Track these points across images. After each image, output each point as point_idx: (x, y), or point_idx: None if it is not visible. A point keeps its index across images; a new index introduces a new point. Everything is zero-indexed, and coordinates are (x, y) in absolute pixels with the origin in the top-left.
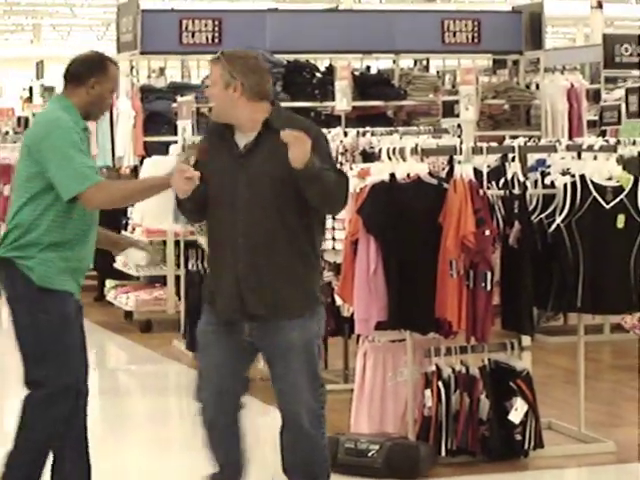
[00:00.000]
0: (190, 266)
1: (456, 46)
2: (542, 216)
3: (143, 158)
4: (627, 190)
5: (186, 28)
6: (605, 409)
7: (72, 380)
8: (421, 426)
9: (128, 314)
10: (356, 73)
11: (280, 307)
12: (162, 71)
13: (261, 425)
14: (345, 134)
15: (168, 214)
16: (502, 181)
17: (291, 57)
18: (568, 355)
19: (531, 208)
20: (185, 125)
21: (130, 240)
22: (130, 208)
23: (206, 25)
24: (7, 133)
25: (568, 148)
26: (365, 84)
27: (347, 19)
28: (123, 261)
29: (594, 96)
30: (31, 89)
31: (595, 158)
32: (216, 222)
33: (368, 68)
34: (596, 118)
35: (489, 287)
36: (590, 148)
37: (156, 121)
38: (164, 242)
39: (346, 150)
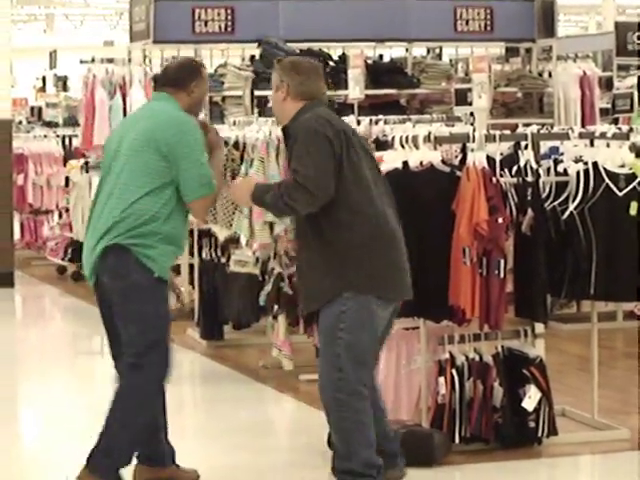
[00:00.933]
0: (204, 255)
1: (469, 34)
2: (555, 203)
3: None
4: None
5: (199, 17)
6: (619, 396)
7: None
8: (435, 414)
9: None
10: (369, 61)
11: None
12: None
13: (273, 412)
14: (358, 122)
15: None
16: (515, 169)
17: (304, 46)
18: (581, 342)
19: (544, 196)
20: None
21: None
22: None
23: (219, 14)
24: (20, 122)
25: (581, 136)
26: (378, 72)
27: (360, 7)
28: None
29: (606, 84)
30: (44, 79)
31: (608, 145)
32: None
33: (381, 56)
34: (608, 106)
35: (502, 274)
36: (603, 135)
37: None
38: None
39: None
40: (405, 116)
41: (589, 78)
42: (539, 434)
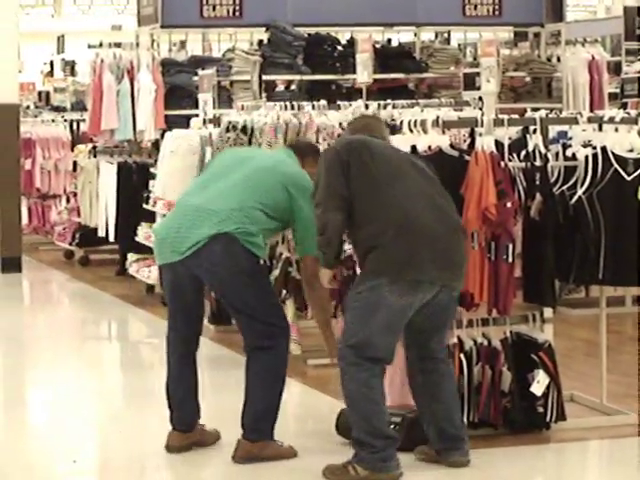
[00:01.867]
0: None
1: (477, 19)
2: (564, 188)
3: (164, 132)
4: None
5: (207, 1)
6: (627, 381)
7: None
8: None
9: (150, 288)
10: (377, 46)
11: None
12: (183, 44)
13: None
14: (366, 107)
15: None
16: (523, 153)
17: (312, 30)
18: (590, 327)
19: (552, 180)
20: (206, 98)
21: None
22: (152, 181)
23: None
24: (28, 107)
25: (589, 120)
26: (386, 57)
27: None
28: (144, 235)
29: (615, 69)
30: (52, 63)
31: (616, 130)
32: None
33: (389, 41)
34: (617, 90)
35: (511, 259)
36: (611, 120)
37: (177, 95)
38: None
39: None
40: (413, 100)
41: (597, 63)
42: (547, 419)
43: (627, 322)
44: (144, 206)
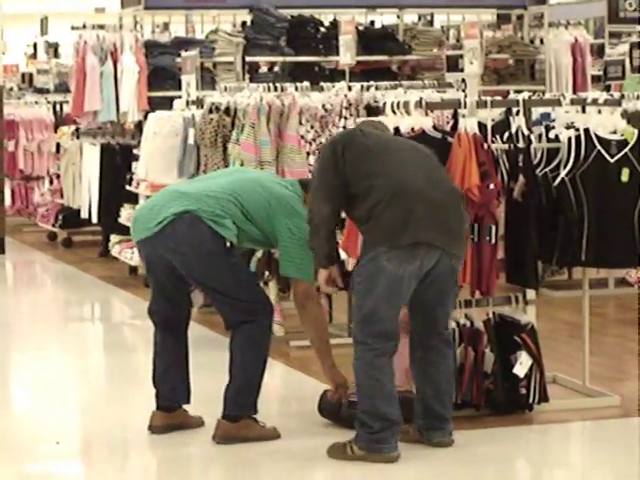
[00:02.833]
0: None
1: (460, 1)
2: (546, 170)
3: (147, 113)
4: (631, 144)
5: None
6: (610, 363)
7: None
8: None
9: (133, 269)
10: (360, 28)
11: None
12: (166, 26)
13: (264, 378)
14: (349, 88)
15: (172, 168)
16: (506, 135)
17: (295, 12)
18: (573, 309)
19: (535, 162)
20: (189, 80)
21: None
22: (134, 163)
23: None
24: (11, 89)
25: (572, 102)
26: (369, 39)
27: None
28: (127, 216)
29: (598, 51)
30: (35, 45)
31: (599, 112)
32: None
33: (372, 23)
34: (600, 73)
35: (494, 241)
36: (594, 102)
37: (160, 76)
38: None
39: (350, 104)
40: (396, 82)
41: (581, 45)
42: (530, 400)
43: (610, 304)
44: (127, 187)
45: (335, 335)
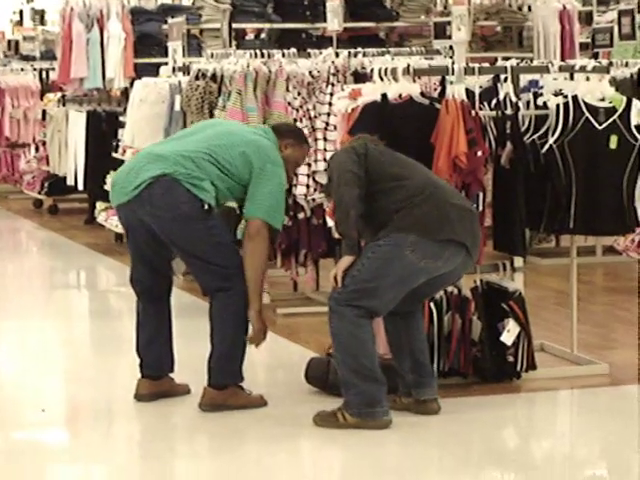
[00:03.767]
0: None
1: None
2: (534, 137)
3: (133, 80)
4: (620, 111)
5: None
6: (598, 331)
7: None
8: None
9: (119, 236)
10: None
11: None
12: None
13: (250, 346)
14: (337, 55)
15: (159, 135)
16: (494, 102)
17: None
18: (560, 277)
19: (523, 129)
20: (175, 47)
21: None
22: (121, 130)
23: None
24: None
25: (561, 69)
26: (356, 5)
27: None
28: None
29: (586, 18)
30: (21, 12)
31: (588, 79)
32: None
33: None
34: (588, 40)
35: (481, 208)
36: (583, 69)
37: (146, 43)
38: None
39: (337, 71)
40: (384, 49)
41: (569, 12)
42: (518, 368)
43: (598, 272)
44: (113, 154)
45: (321, 303)
